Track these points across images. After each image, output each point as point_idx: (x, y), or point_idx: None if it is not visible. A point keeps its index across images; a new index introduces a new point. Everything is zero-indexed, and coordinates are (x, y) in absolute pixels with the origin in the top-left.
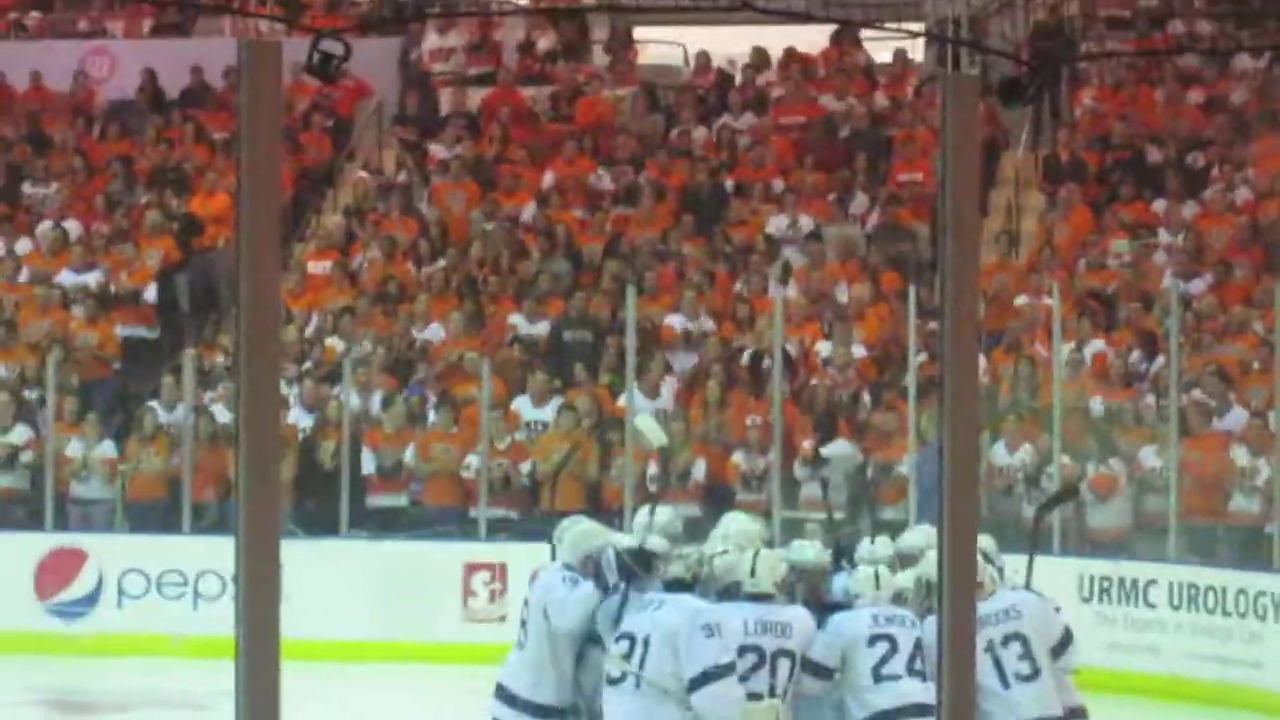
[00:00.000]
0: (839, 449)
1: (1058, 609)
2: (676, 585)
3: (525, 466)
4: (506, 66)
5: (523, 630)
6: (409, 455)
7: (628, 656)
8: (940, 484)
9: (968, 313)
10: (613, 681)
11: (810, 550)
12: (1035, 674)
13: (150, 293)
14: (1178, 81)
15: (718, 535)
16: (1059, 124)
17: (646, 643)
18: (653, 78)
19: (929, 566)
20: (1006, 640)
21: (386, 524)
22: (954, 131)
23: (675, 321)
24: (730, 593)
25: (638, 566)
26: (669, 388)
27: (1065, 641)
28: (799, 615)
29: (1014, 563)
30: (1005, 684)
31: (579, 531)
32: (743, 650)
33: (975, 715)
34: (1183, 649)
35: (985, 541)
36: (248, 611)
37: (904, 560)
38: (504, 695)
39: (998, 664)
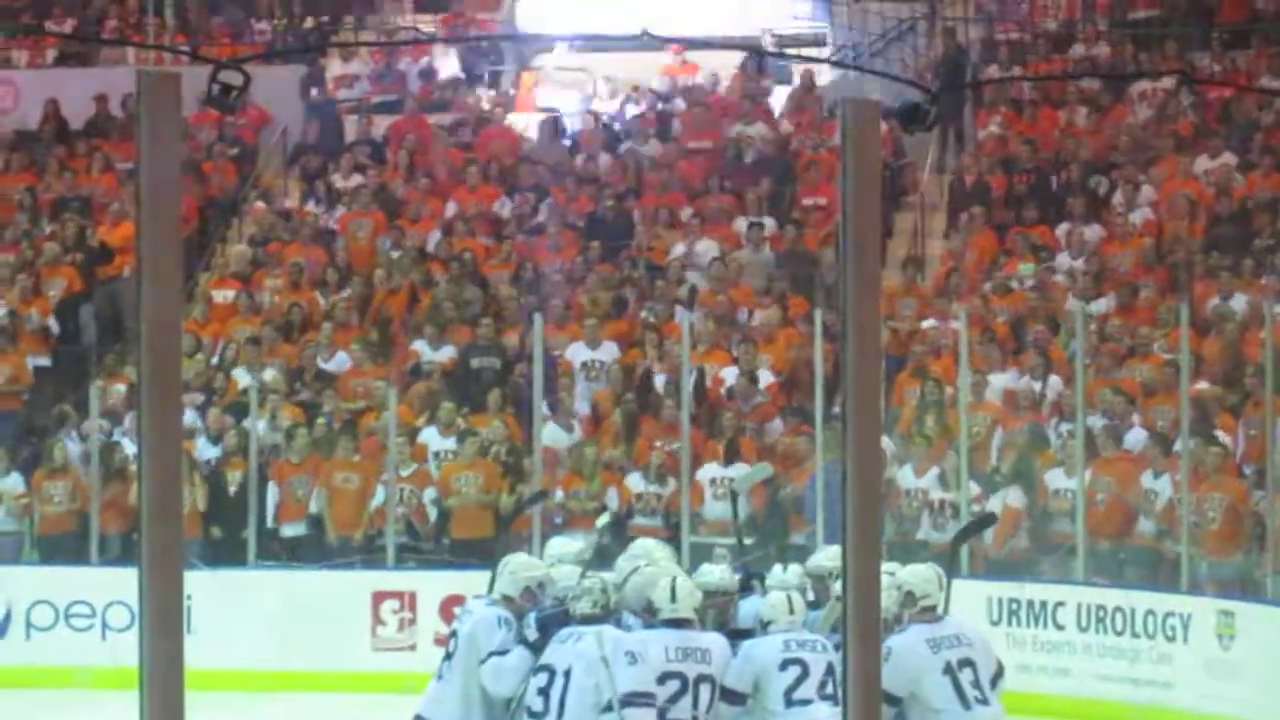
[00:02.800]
0: (747, 470)
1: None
2: (589, 620)
3: (429, 494)
4: (410, 94)
5: (447, 663)
6: (312, 486)
7: (546, 689)
8: (843, 505)
9: (870, 335)
10: (534, 715)
11: (715, 573)
12: (987, 701)
13: (53, 323)
14: (1080, 105)
15: (626, 560)
16: (963, 149)
17: (567, 674)
18: (558, 106)
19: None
20: (961, 665)
21: (294, 553)
22: (854, 156)
23: (580, 349)
24: (650, 616)
25: (555, 627)
26: (579, 417)
27: (1000, 673)
28: (717, 640)
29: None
30: (966, 705)
31: (519, 563)
32: (664, 677)
33: None
34: (1092, 670)
35: (930, 571)
36: (151, 643)
37: (814, 582)
38: None
39: (957, 686)
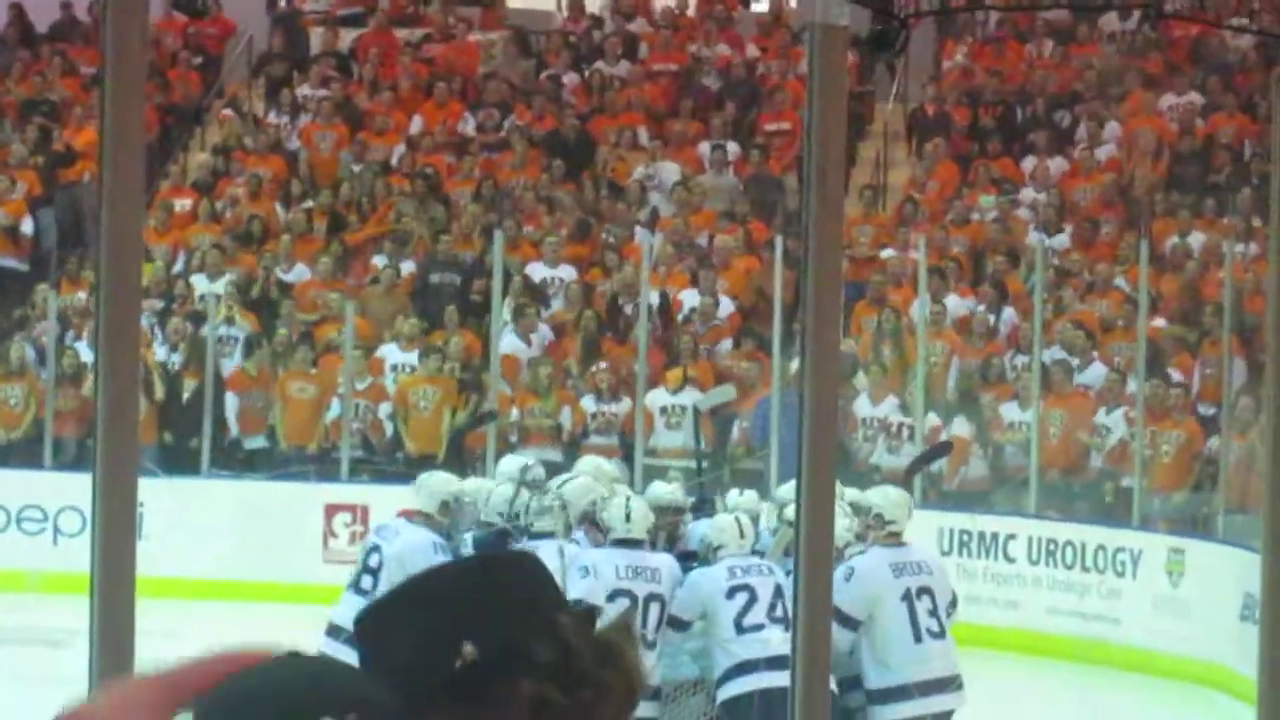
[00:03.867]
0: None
1: None
2: (539, 537)
3: (385, 409)
4: (379, 8)
5: (369, 577)
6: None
7: None
8: (799, 432)
9: (831, 263)
10: None
11: (666, 491)
12: (942, 632)
13: (26, 225)
14: (1047, 39)
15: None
16: (927, 79)
17: None
18: (524, 23)
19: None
20: (920, 593)
21: (248, 464)
22: (821, 82)
23: (539, 268)
24: (602, 535)
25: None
26: (541, 334)
27: (954, 603)
28: (666, 561)
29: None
30: (918, 638)
31: (435, 480)
32: (614, 594)
33: (830, 660)
34: (1042, 603)
35: (900, 495)
36: (104, 548)
37: (779, 510)
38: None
39: (912, 616)
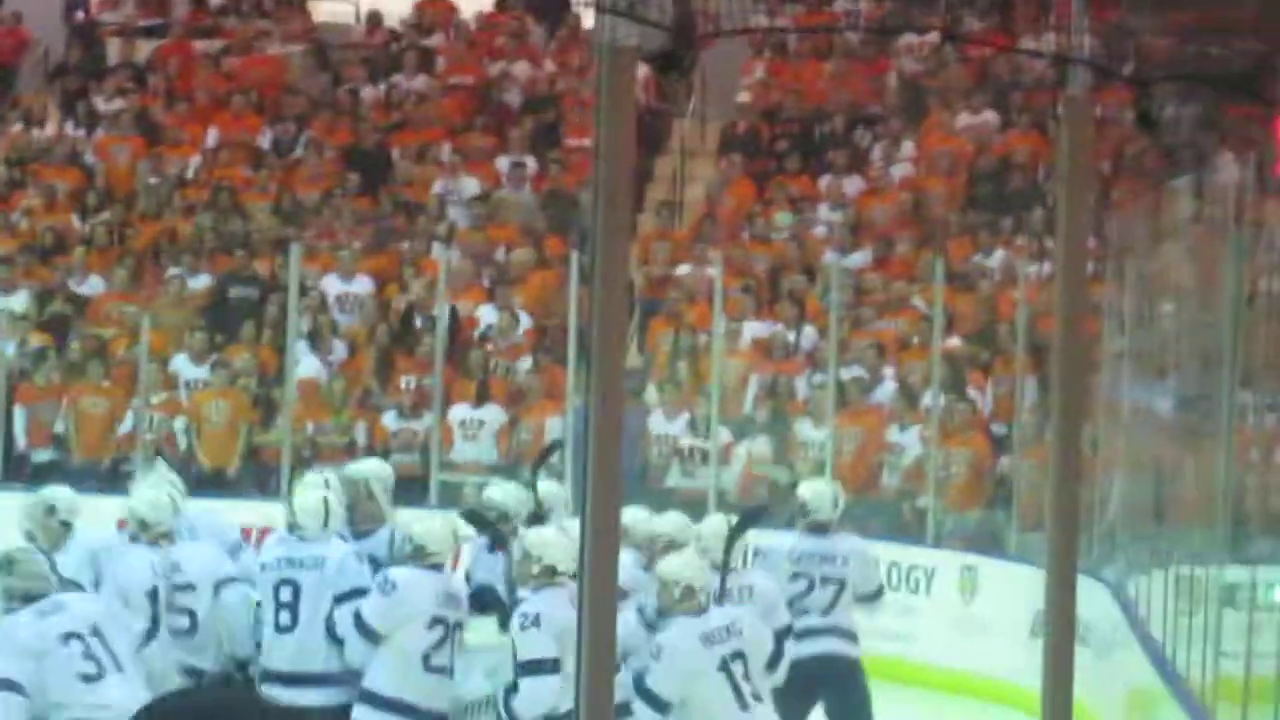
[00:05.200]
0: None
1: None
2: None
3: (179, 422)
4: (176, 19)
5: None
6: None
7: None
8: (584, 447)
9: (617, 278)
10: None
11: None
12: (759, 696)
13: None
14: (846, 57)
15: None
16: (729, 95)
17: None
18: (323, 36)
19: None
20: (734, 658)
21: (41, 477)
22: (609, 101)
23: (333, 282)
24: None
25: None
26: (337, 349)
27: (776, 657)
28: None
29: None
30: (744, 705)
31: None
32: (432, 623)
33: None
34: None
35: (693, 558)
36: None
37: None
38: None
39: (733, 684)
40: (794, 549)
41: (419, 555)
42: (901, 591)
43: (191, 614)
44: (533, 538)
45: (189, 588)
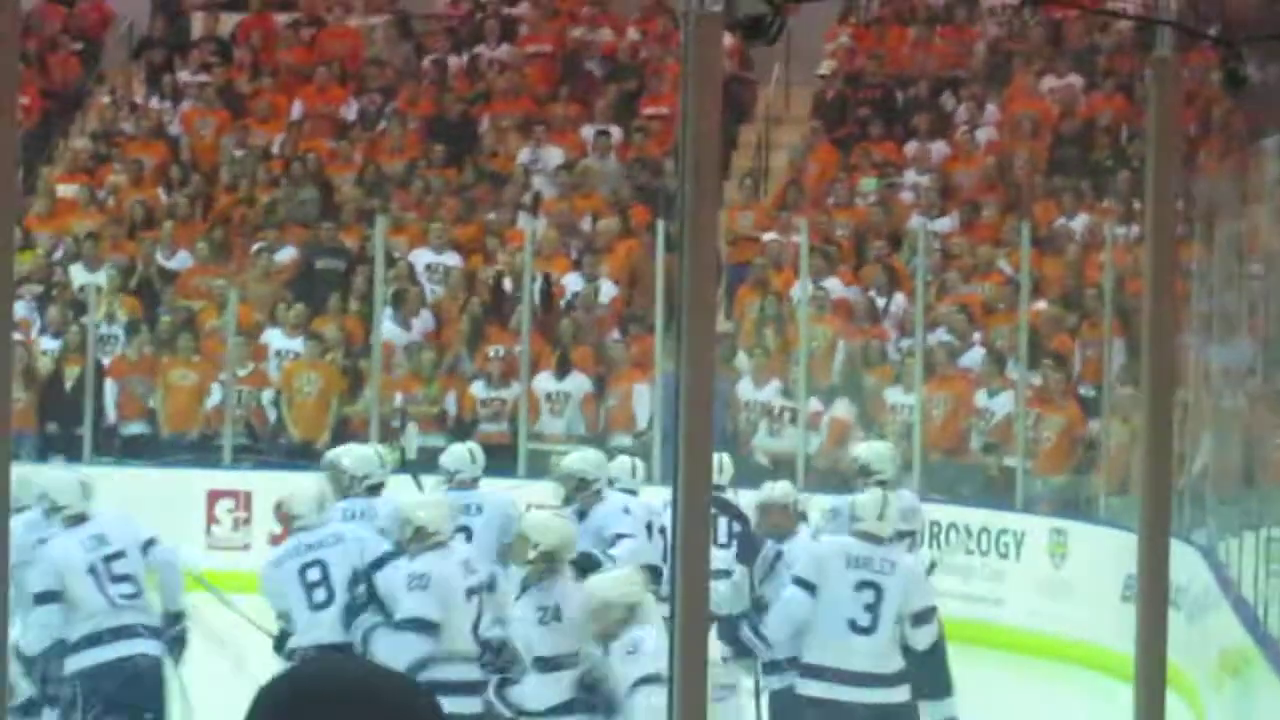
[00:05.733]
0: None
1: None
2: None
3: (268, 395)
4: None
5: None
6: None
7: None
8: (675, 416)
9: (706, 247)
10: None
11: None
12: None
13: None
14: (928, 23)
15: None
16: (814, 63)
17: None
18: (406, 6)
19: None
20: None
21: (131, 451)
22: (696, 67)
23: (423, 253)
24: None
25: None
26: (423, 319)
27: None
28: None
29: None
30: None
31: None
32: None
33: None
34: None
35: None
36: None
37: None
38: None
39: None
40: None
41: (420, 538)
42: (992, 556)
43: (129, 578)
44: (531, 520)
45: (119, 555)
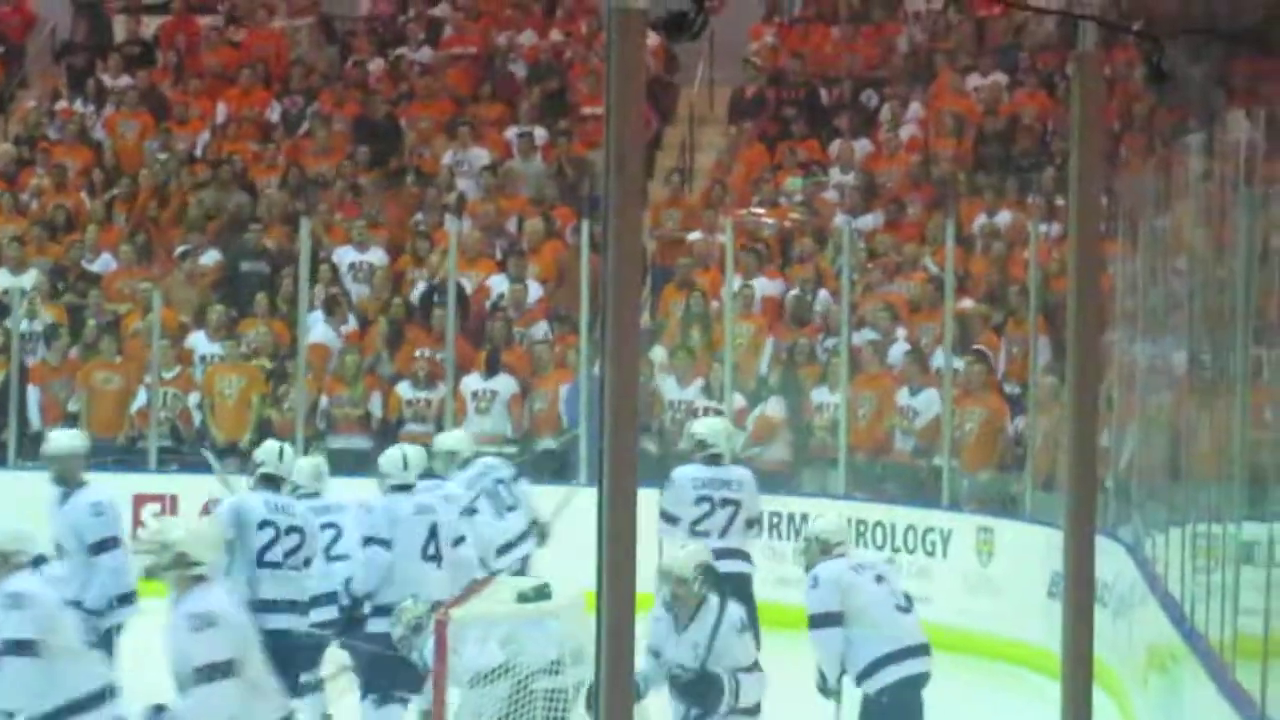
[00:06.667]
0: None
1: None
2: None
3: (194, 398)
4: None
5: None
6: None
7: None
8: (600, 416)
9: (630, 246)
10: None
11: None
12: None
13: None
14: (852, 22)
15: None
16: (746, 61)
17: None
18: (329, 8)
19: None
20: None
21: None
22: (619, 65)
23: (350, 253)
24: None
25: None
26: (348, 321)
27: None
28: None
29: None
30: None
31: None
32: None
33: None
34: None
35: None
36: None
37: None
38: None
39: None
40: (696, 477)
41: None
42: (918, 554)
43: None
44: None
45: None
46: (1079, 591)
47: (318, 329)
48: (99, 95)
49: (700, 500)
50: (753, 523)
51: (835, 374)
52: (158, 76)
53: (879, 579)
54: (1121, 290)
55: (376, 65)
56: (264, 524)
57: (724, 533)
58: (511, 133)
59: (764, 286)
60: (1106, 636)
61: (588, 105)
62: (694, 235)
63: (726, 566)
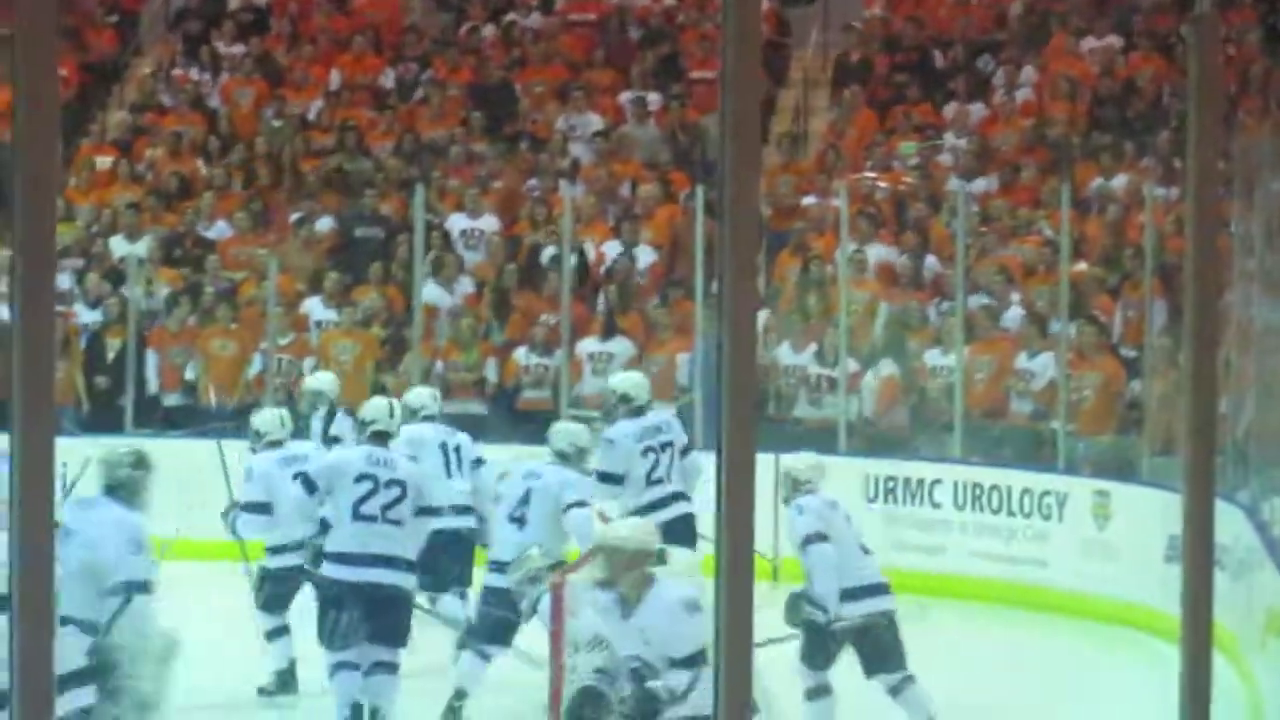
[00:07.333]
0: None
1: None
2: None
3: (308, 364)
4: None
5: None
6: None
7: None
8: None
9: (747, 211)
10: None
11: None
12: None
13: None
14: None
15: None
16: (848, 26)
17: None
18: None
19: None
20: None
21: (172, 422)
22: (735, 31)
23: (461, 220)
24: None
25: None
26: (462, 285)
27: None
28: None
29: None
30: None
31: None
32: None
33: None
34: (968, 548)
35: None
36: (22, 509)
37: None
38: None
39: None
40: (632, 431)
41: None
42: (1034, 518)
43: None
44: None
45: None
46: (1198, 555)
47: (429, 290)
48: (213, 62)
49: (646, 451)
50: (685, 451)
51: (949, 336)
52: (271, 43)
53: (848, 519)
54: (1238, 252)
55: (489, 31)
56: (362, 477)
57: (670, 476)
58: (625, 97)
59: (878, 252)
60: (1224, 600)
61: (700, 70)
62: (808, 200)
63: (678, 509)
